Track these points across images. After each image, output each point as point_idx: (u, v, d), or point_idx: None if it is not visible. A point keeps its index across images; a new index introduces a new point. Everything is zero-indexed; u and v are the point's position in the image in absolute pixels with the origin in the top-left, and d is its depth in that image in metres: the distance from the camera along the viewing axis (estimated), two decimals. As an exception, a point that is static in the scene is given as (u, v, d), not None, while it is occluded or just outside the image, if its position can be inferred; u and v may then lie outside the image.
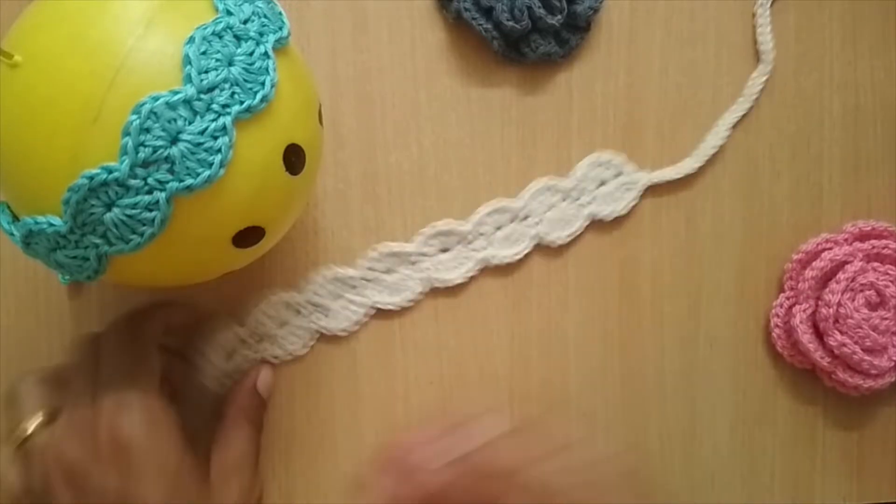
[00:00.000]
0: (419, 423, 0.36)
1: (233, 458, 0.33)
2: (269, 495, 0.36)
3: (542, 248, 0.37)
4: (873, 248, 0.37)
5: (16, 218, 0.26)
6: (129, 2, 0.25)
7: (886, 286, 0.36)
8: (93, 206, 0.24)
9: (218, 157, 0.24)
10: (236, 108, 0.25)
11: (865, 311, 0.36)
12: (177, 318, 0.34)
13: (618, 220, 0.37)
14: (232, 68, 0.25)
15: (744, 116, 0.38)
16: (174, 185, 0.24)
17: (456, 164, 0.37)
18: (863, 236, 0.37)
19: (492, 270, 0.37)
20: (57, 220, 0.25)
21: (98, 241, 0.25)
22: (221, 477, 0.32)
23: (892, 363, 0.36)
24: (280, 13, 0.28)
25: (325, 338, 0.37)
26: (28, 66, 0.24)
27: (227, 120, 0.24)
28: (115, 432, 0.29)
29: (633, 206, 0.37)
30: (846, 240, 0.37)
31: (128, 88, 0.23)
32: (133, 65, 0.24)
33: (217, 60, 0.25)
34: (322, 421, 0.37)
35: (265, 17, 0.27)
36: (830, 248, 0.37)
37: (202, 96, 0.24)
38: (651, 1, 0.38)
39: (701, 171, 0.37)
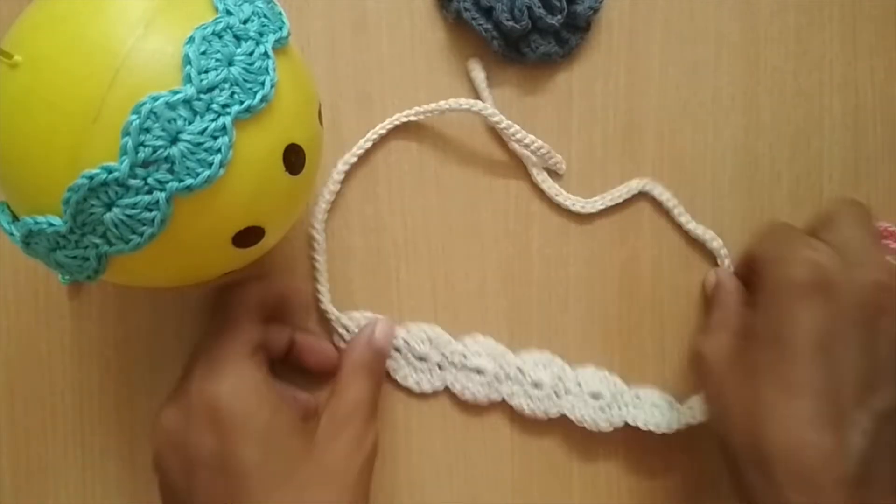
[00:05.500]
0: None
1: (342, 411, 0.32)
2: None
3: (542, 248, 0.37)
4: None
5: (16, 218, 0.26)
6: (129, 2, 0.25)
7: (886, 286, 0.36)
8: (93, 206, 0.24)
9: (218, 157, 0.24)
10: (236, 108, 0.25)
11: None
12: (272, 293, 0.34)
13: (618, 220, 0.37)
14: (232, 68, 0.25)
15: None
16: (174, 185, 0.24)
17: (456, 164, 0.37)
18: None
19: (493, 265, 0.37)
20: (57, 220, 0.25)
21: (98, 241, 0.25)
22: (329, 430, 0.31)
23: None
24: (280, 13, 0.28)
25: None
26: (28, 66, 0.24)
27: (227, 120, 0.24)
28: (206, 397, 0.30)
29: (634, 206, 0.37)
30: None
31: (128, 88, 0.23)
32: (133, 65, 0.24)
33: (217, 60, 0.25)
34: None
35: (265, 17, 0.27)
36: None
37: (202, 96, 0.24)
38: (651, 1, 0.38)
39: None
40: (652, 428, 0.35)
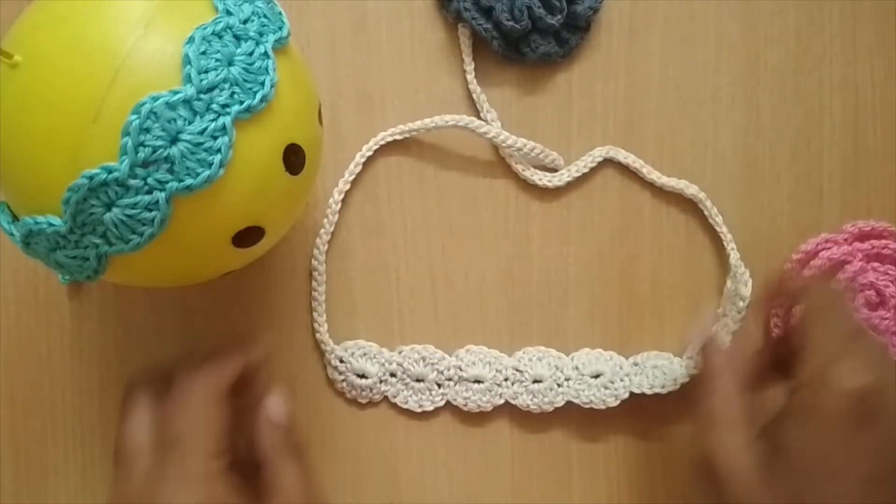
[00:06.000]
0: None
1: (291, 499, 0.30)
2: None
3: (542, 248, 0.37)
4: (873, 247, 0.37)
5: (16, 218, 0.26)
6: (129, 2, 0.25)
7: (886, 286, 0.36)
8: (93, 206, 0.24)
9: (218, 157, 0.24)
10: (236, 108, 0.25)
11: (865, 311, 0.36)
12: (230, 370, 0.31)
13: (617, 220, 0.37)
14: (232, 68, 0.25)
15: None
16: (174, 185, 0.24)
17: (456, 165, 0.37)
18: (862, 236, 0.37)
19: (493, 265, 0.37)
20: (57, 220, 0.25)
21: (98, 241, 0.25)
22: None
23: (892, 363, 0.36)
24: (280, 13, 0.28)
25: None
26: (28, 66, 0.24)
27: (227, 120, 0.24)
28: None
29: (634, 206, 0.37)
30: (846, 240, 0.37)
31: (128, 88, 0.23)
32: (133, 65, 0.24)
33: (217, 60, 0.25)
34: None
35: (265, 16, 0.27)
36: (829, 248, 0.37)
37: (202, 96, 0.24)
38: (651, 1, 0.38)
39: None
40: (658, 390, 0.35)
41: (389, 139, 0.36)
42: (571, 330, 0.37)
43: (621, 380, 0.36)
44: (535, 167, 0.37)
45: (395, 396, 0.36)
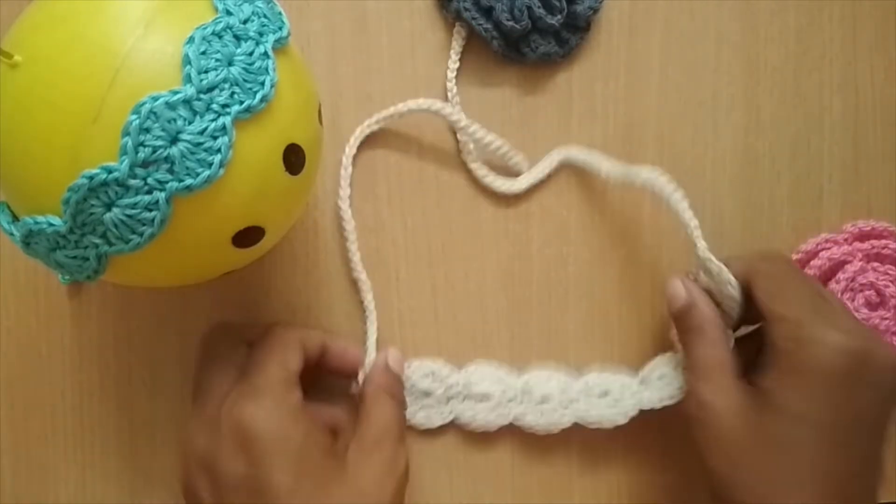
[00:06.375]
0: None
1: (372, 434, 0.32)
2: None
3: (542, 248, 0.37)
4: (873, 247, 0.37)
5: (16, 218, 0.26)
6: (129, 2, 0.25)
7: (886, 286, 0.36)
8: (93, 206, 0.24)
9: (217, 157, 0.24)
10: (236, 108, 0.25)
11: (865, 311, 0.36)
12: (315, 345, 0.34)
13: (617, 220, 0.37)
14: (232, 68, 0.25)
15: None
16: (174, 185, 0.24)
17: (456, 164, 0.37)
18: (862, 236, 0.37)
19: (493, 265, 0.37)
20: (57, 220, 0.25)
21: (98, 241, 0.25)
22: (360, 453, 0.31)
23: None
24: (280, 13, 0.28)
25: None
26: (28, 66, 0.24)
27: (227, 120, 0.24)
28: (237, 419, 0.29)
29: (633, 206, 0.37)
30: (846, 240, 0.37)
31: (127, 88, 0.23)
32: (133, 65, 0.24)
33: (217, 60, 0.25)
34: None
35: (265, 16, 0.27)
36: (829, 248, 0.37)
37: (202, 96, 0.24)
38: (651, 1, 0.38)
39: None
40: (668, 402, 0.34)
41: (367, 131, 0.36)
42: (571, 330, 0.37)
43: (630, 397, 0.35)
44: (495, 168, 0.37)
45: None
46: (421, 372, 0.36)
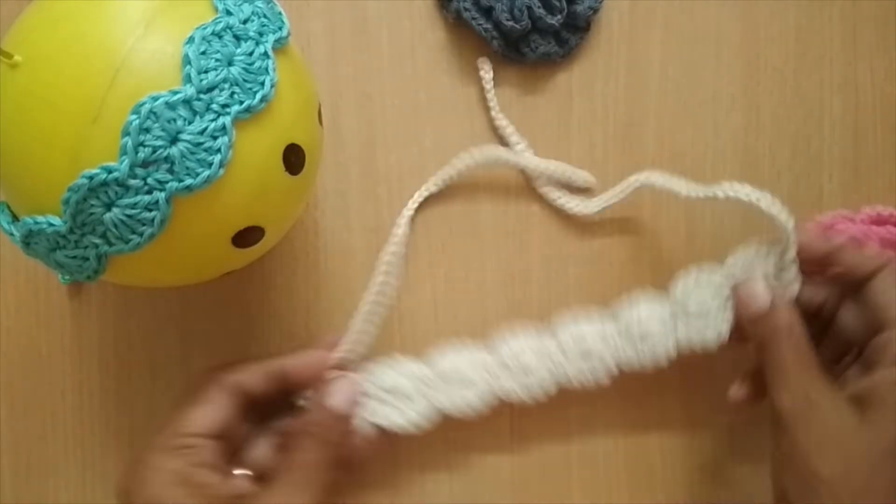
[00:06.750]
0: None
1: (284, 470, 0.30)
2: None
3: (542, 248, 0.37)
4: (889, 233, 0.36)
5: (16, 218, 0.26)
6: (129, 2, 0.25)
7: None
8: (92, 206, 0.24)
9: (217, 157, 0.24)
10: (236, 108, 0.25)
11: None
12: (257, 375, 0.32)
13: (617, 220, 0.37)
14: (231, 68, 0.25)
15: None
16: (174, 185, 0.24)
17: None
18: (880, 221, 0.36)
19: (495, 273, 0.37)
20: (57, 220, 0.25)
21: (98, 241, 0.25)
22: (264, 491, 0.30)
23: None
24: (280, 13, 0.28)
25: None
26: (28, 66, 0.24)
27: (227, 120, 0.24)
28: (120, 482, 0.31)
29: (633, 206, 0.37)
30: (862, 220, 0.36)
31: (127, 88, 0.23)
32: (133, 65, 0.24)
33: (217, 60, 0.25)
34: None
35: (265, 16, 0.27)
36: (845, 224, 0.36)
37: (202, 96, 0.24)
38: (651, 1, 0.38)
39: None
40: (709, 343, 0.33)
41: (426, 194, 0.36)
42: (571, 330, 0.37)
43: (609, 357, 0.34)
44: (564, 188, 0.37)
45: (387, 418, 0.34)
46: (383, 371, 0.34)
